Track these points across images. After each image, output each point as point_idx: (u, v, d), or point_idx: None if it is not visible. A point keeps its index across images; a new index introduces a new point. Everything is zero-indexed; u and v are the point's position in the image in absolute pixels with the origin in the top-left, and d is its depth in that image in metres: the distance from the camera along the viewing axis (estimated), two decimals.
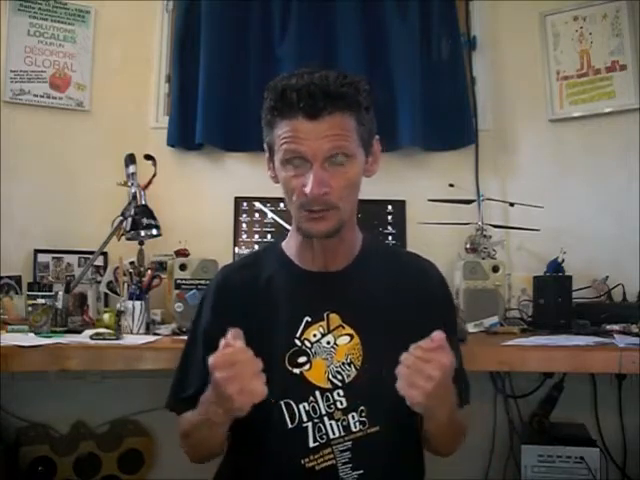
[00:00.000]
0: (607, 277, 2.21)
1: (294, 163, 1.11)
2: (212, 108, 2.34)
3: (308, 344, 1.16)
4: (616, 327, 1.87)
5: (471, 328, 1.93)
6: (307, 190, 1.09)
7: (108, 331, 1.74)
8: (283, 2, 2.41)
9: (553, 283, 2.03)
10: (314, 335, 1.16)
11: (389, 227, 2.28)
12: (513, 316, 2.15)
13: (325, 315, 1.17)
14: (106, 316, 1.90)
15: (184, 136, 2.38)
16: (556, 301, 1.98)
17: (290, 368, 1.15)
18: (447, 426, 1.12)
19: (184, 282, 2.00)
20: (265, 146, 1.20)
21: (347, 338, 1.16)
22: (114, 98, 2.41)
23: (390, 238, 2.27)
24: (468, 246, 2.24)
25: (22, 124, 2.33)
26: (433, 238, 2.25)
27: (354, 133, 1.12)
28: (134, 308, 1.84)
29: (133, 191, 1.96)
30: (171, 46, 2.47)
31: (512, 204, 2.30)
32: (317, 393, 1.14)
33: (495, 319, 1.98)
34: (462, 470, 1.99)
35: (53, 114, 2.38)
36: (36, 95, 2.35)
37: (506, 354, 1.62)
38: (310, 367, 1.15)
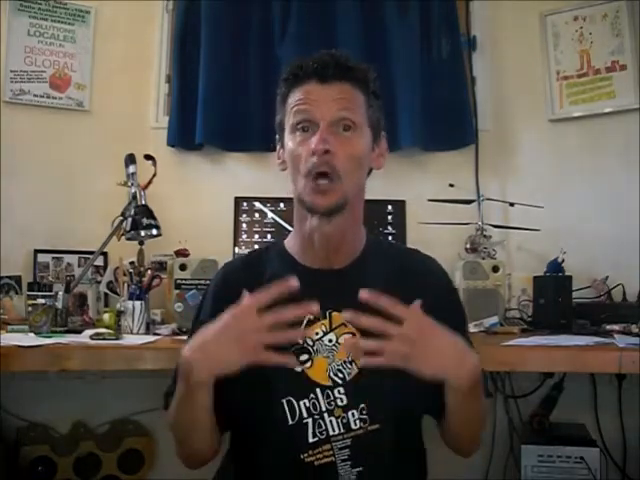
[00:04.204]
0: (607, 277, 2.21)
1: (303, 129, 1.15)
2: (212, 108, 2.34)
3: (310, 342, 1.16)
4: (616, 327, 1.87)
5: (471, 328, 1.92)
6: (312, 146, 1.11)
7: (108, 331, 1.74)
8: (283, 2, 2.41)
9: (553, 283, 2.03)
10: (316, 333, 1.17)
11: (389, 227, 2.28)
12: (513, 316, 2.15)
13: (327, 313, 1.17)
14: (106, 316, 1.90)
15: (184, 136, 2.38)
16: (556, 301, 1.98)
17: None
18: (468, 398, 1.09)
19: (184, 282, 2.00)
20: (276, 127, 1.22)
21: (349, 336, 1.16)
22: (114, 98, 2.41)
23: (390, 238, 2.26)
24: (468, 246, 2.24)
25: (22, 124, 2.33)
26: (433, 238, 2.25)
27: (362, 108, 1.17)
28: (134, 308, 1.84)
29: (133, 191, 1.96)
30: (171, 46, 2.47)
31: (512, 204, 2.31)
32: (318, 390, 1.14)
33: (495, 319, 1.98)
34: (462, 470, 1.99)
35: (53, 114, 2.38)
36: (36, 95, 2.35)
37: (506, 354, 1.62)
38: (311, 365, 1.15)
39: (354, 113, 1.15)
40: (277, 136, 1.23)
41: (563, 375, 2.10)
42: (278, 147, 1.23)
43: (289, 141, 1.17)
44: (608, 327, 1.89)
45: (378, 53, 2.40)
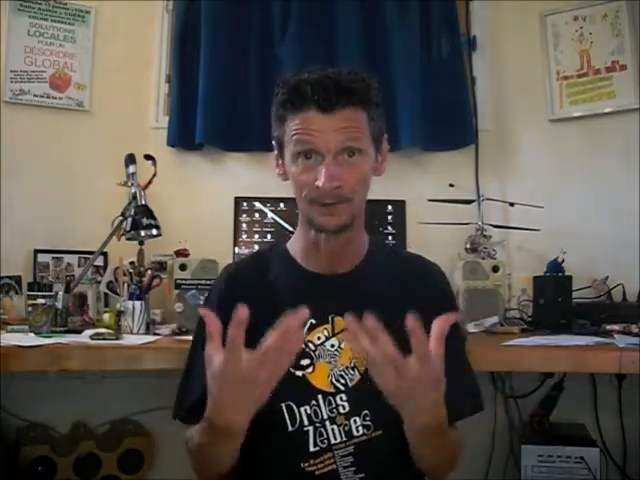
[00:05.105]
0: (607, 277, 2.20)
1: (306, 156, 1.11)
2: (212, 108, 2.34)
3: (312, 347, 1.15)
4: (616, 327, 1.87)
5: (471, 328, 1.93)
6: (319, 183, 1.08)
7: (108, 331, 1.73)
8: (283, 2, 2.41)
9: (553, 283, 2.03)
10: (318, 338, 1.16)
11: (389, 227, 2.28)
12: (513, 316, 2.15)
13: (330, 318, 1.16)
14: (106, 316, 1.90)
15: (184, 136, 2.38)
16: (556, 301, 1.98)
17: (293, 370, 1.13)
18: (428, 437, 1.04)
19: (184, 282, 2.00)
20: (274, 142, 1.19)
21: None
22: (114, 98, 2.41)
23: (390, 238, 2.27)
24: (468, 246, 2.24)
25: (22, 124, 2.33)
26: (433, 238, 2.25)
27: (366, 128, 1.13)
28: (134, 308, 1.84)
29: (133, 191, 1.96)
30: (171, 46, 2.47)
31: (512, 204, 2.30)
32: (319, 397, 1.13)
33: (495, 319, 1.97)
34: (462, 470, 1.98)
35: (53, 114, 2.38)
36: (36, 95, 2.35)
37: (506, 354, 1.62)
38: (313, 370, 1.14)
39: (359, 140, 1.12)
40: (275, 148, 1.19)
41: (563, 375, 2.10)
42: (276, 157, 1.20)
43: (292, 166, 1.14)
44: (608, 327, 1.88)
45: (378, 53, 2.40)
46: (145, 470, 2.13)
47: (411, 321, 0.89)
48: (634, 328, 1.81)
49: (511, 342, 1.66)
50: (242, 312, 0.90)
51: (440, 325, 0.94)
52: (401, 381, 0.93)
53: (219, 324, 0.95)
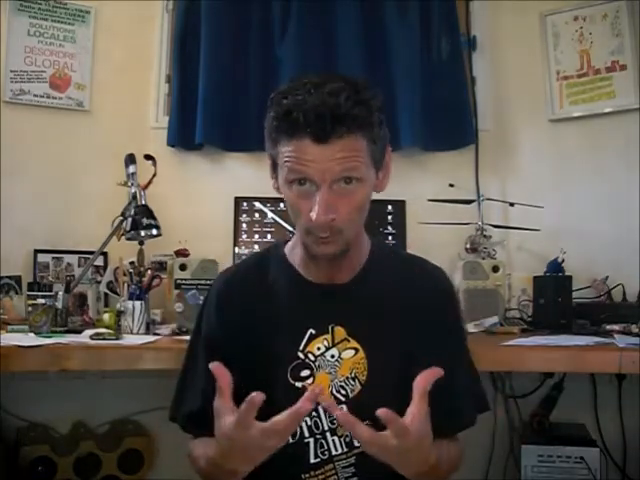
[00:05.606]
0: (607, 277, 2.20)
1: (300, 182, 1.05)
2: (212, 108, 2.34)
3: (312, 357, 1.13)
4: (616, 327, 1.87)
5: (471, 328, 1.93)
6: (313, 216, 1.03)
7: (108, 331, 1.74)
8: (283, 2, 2.41)
9: (553, 283, 2.03)
10: (318, 348, 1.14)
11: (389, 227, 2.28)
12: (513, 316, 2.15)
13: (330, 328, 1.14)
14: (106, 316, 1.90)
15: (184, 136, 2.38)
16: (556, 301, 1.98)
17: (292, 382, 1.12)
18: (421, 476, 1.04)
19: (184, 282, 2.00)
20: (268, 156, 1.13)
21: (352, 352, 1.14)
22: (114, 98, 2.41)
23: (390, 238, 2.27)
24: (468, 246, 2.24)
25: (22, 124, 2.33)
26: (433, 238, 2.25)
27: (365, 154, 1.06)
28: (134, 308, 1.84)
29: (133, 191, 1.96)
30: (171, 46, 2.47)
31: (512, 204, 2.31)
32: (320, 408, 1.11)
33: (495, 319, 1.98)
34: (462, 470, 1.98)
35: (53, 114, 2.38)
36: (36, 95, 2.35)
37: (506, 354, 1.62)
38: (313, 381, 1.12)
39: (357, 169, 1.04)
40: (269, 163, 1.14)
41: (563, 375, 2.10)
42: (271, 171, 1.14)
43: (286, 189, 1.08)
44: (608, 327, 1.89)
45: (378, 53, 2.41)
46: (145, 470, 2.13)
47: (383, 412, 0.90)
48: (634, 328, 1.82)
49: (511, 342, 1.67)
50: (258, 397, 0.91)
51: (424, 380, 0.93)
52: (386, 454, 0.95)
53: (229, 376, 0.95)
